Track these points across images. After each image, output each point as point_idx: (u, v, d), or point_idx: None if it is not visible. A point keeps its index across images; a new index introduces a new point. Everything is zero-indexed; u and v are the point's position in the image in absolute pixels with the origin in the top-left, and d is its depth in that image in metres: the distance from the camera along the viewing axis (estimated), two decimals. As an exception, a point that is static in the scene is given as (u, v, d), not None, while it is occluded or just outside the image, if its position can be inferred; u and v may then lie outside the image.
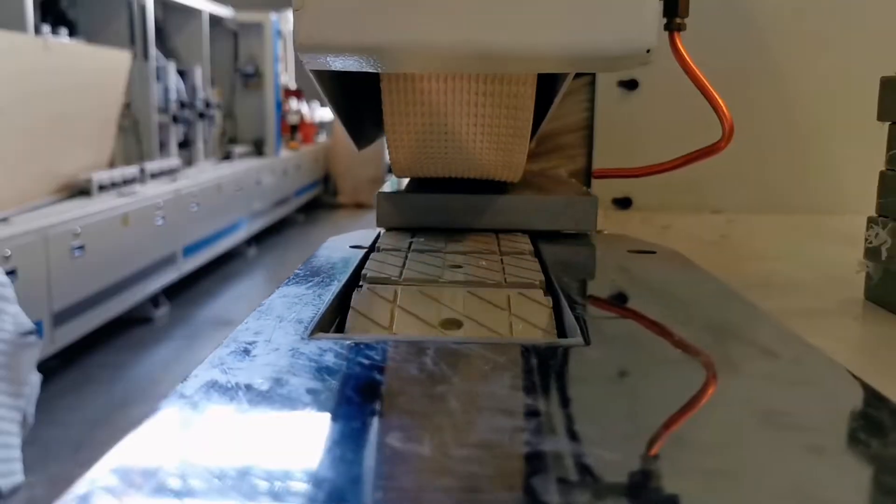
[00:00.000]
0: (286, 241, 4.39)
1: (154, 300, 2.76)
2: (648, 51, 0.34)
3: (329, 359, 0.28)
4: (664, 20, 0.48)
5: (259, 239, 4.10)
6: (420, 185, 0.58)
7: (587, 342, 0.31)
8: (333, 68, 0.36)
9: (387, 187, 0.54)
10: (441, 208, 0.51)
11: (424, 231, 0.50)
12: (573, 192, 0.55)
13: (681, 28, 0.48)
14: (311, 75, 0.41)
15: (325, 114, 5.37)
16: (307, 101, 5.27)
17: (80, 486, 0.19)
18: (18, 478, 1.48)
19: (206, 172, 3.45)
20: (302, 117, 5.17)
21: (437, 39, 0.33)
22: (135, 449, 0.21)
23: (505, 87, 0.44)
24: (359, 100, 0.55)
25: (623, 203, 0.84)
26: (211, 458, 0.20)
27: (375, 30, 0.33)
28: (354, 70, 0.36)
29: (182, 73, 3.63)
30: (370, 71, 0.38)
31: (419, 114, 0.46)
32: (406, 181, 0.59)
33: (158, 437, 0.22)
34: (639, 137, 0.81)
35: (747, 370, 0.29)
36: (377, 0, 0.33)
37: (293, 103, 5.13)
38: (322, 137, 5.63)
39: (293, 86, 5.13)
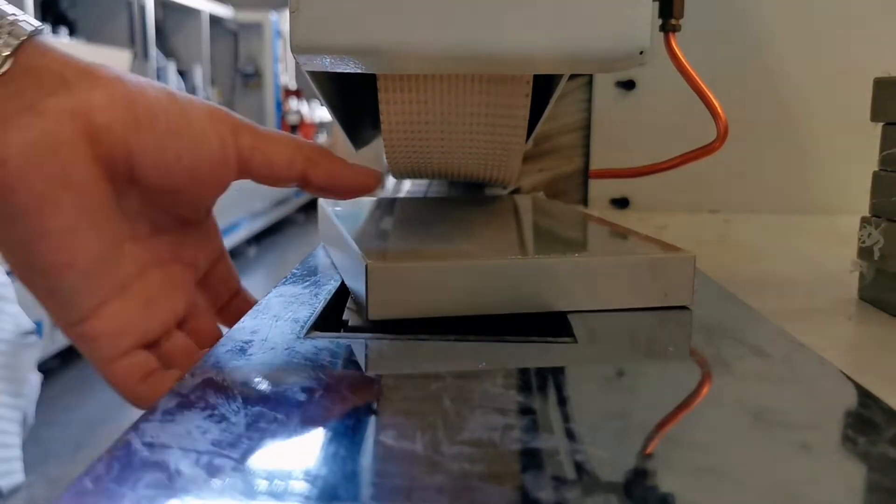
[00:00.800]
0: (286, 240, 4.39)
1: (154, 300, 2.76)
2: (641, 52, 0.34)
3: (324, 357, 0.29)
4: (659, 21, 0.49)
5: (259, 238, 4.10)
6: (418, 232, 0.43)
7: (575, 340, 0.32)
8: (330, 70, 0.36)
9: (377, 257, 0.34)
10: (463, 285, 0.34)
11: (433, 326, 0.33)
12: (651, 248, 0.38)
13: (676, 29, 0.48)
14: (307, 76, 0.41)
15: (324, 114, 5.39)
16: (307, 101, 5.27)
17: (78, 482, 0.19)
18: (18, 478, 1.48)
19: (206, 172, 3.44)
20: (302, 117, 5.17)
21: (432, 41, 0.33)
22: (131, 445, 0.21)
23: (500, 88, 0.45)
24: (356, 100, 0.55)
25: (621, 203, 0.84)
26: (207, 454, 0.21)
27: (372, 31, 0.34)
28: (351, 71, 0.37)
29: (182, 73, 3.63)
30: (367, 72, 0.39)
31: (415, 115, 0.46)
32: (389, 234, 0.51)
33: (155, 434, 0.22)
34: (637, 137, 0.82)
35: (739, 369, 0.29)
36: (373, 2, 0.33)
37: (293, 103, 5.13)
38: (322, 137, 5.64)
39: (293, 86, 5.14)
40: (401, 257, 0.35)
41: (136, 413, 0.24)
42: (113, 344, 0.33)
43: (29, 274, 0.32)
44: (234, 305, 0.40)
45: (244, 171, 0.35)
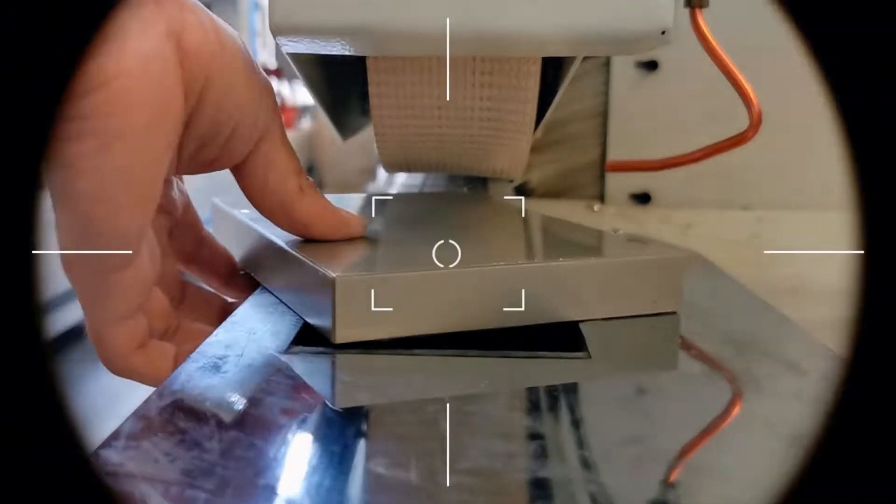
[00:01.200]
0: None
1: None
2: (664, 32, 0.34)
3: (308, 375, 0.29)
4: (684, -4, 0.49)
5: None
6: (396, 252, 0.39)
7: (589, 355, 0.32)
8: (314, 52, 0.36)
9: (346, 267, 0.32)
10: (443, 292, 0.32)
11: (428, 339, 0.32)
12: (640, 250, 0.38)
13: (703, 5, 0.49)
14: (288, 59, 0.41)
15: (308, 97, 5.38)
16: (288, 82, 5.26)
17: None
18: None
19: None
20: (283, 100, 5.16)
21: (427, 19, 0.34)
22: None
23: (505, 71, 0.45)
24: (343, 84, 0.55)
25: (642, 199, 0.85)
26: (177, 485, 0.21)
27: (360, 9, 0.34)
28: (337, 54, 0.37)
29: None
30: (355, 55, 0.39)
31: (409, 101, 0.47)
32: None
33: (118, 463, 0.22)
34: (660, 125, 0.82)
35: (772, 388, 0.29)
36: (362, -25, 0.33)
37: (272, 84, 5.11)
38: (305, 122, 5.63)
39: (272, 64, 5.13)
40: (368, 266, 0.33)
41: (113, 423, 0.24)
42: (133, 298, 0.33)
43: (102, 206, 0.30)
44: (202, 254, 0.42)
45: (246, 160, 0.36)
